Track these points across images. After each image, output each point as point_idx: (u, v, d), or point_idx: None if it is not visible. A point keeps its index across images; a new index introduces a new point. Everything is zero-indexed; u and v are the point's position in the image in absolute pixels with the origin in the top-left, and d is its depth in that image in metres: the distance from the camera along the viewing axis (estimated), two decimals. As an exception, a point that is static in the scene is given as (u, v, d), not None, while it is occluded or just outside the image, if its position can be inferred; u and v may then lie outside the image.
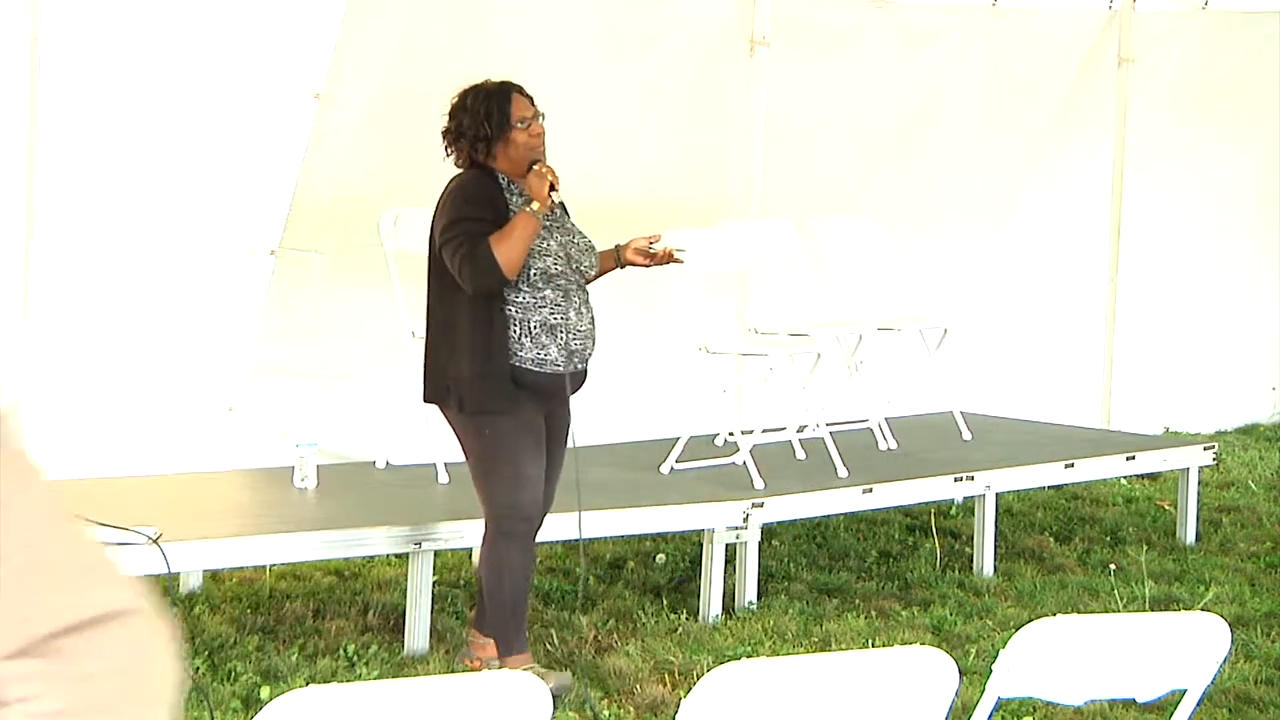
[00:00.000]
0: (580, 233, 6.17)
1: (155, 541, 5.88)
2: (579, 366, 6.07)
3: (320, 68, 7.74)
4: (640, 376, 8.97)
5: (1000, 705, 3.58)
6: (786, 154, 9.32)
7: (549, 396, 6.01)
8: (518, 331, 5.94)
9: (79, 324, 7.44)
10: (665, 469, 7.62)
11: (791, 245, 8.40)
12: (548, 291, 5.97)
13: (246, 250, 7.80)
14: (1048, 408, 9.81)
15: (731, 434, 7.94)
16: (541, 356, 5.96)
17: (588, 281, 6.26)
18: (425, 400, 6.12)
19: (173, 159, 7.55)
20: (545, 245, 5.97)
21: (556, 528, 6.86)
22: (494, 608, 6.07)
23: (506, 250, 5.84)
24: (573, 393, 6.12)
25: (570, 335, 6.01)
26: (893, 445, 8.31)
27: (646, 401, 8.91)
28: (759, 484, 7.30)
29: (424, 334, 6.13)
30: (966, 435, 8.65)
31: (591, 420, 8.51)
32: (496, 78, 6.19)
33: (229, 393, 7.83)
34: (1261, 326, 11.34)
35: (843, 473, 7.63)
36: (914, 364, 8.69)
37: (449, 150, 6.07)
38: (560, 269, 5.98)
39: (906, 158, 9.83)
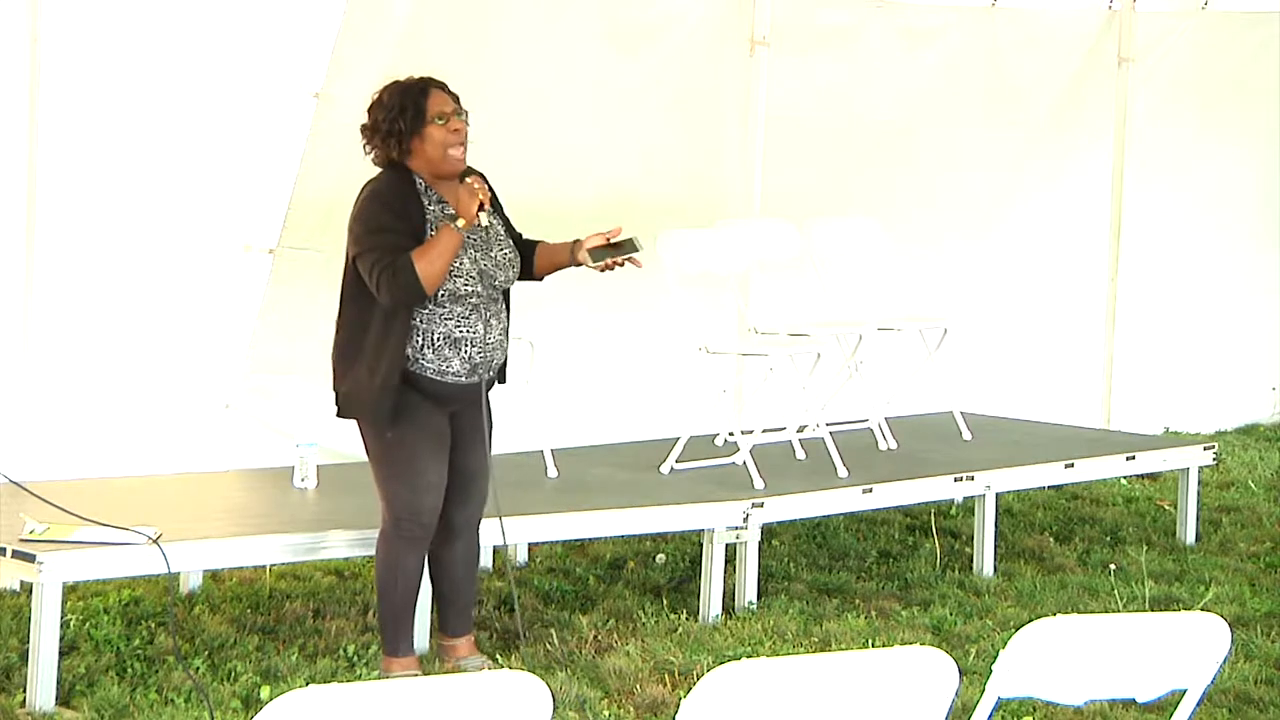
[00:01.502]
0: (502, 244, 5.99)
1: (155, 541, 5.88)
2: (483, 377, 5.95)
3: (319, 67, 7.73)
4: (640, 376, 8.97)
5: (1000, 705, 3.57)
6: (786, 154, 9.32)
7: (451, 402, 5.92)
8: (421, 341, 5.82)
9: (78, 323, 7.44)
10: (665, 469, 7.62)
11: (791, 245, 8.40)
12: (455, 307, 5.85)
13: (245, 248, 7.79)
14: (1048, 408, 9.81)
15: (731, 434, 7.94)
16: (443, 367, 5.85)
17: (538, 279, 6.12)
18: (338, 415, 5.98)
19: (172, 158, 7.55)
20: (458, 265, 5.82)
21: (555, 529, 6.88)
22: (384, 610, 6.03)
23: (427, 266, 5.70)
24: (485, 394, 6.00)
25: (475, 349, 5.89)
26: (893, 445, 8.31)
27: (646, 401, 8.91)
28: (759, 484, 7.29)
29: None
30: (966, 435, 8.65)
31: (592, 420, 8.55)
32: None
33: (226, 390, 7.83)
34: (1261, 326, 11.35)
35: (843, 473, 7.62)
36: (914, 364, 8.69)
37: (366, 147, 5.94)
38: (470, 289, 5.85)
39: (906, 157, 9.83)
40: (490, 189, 5.97)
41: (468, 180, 5.85)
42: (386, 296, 5.75)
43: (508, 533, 6.31)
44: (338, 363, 5.93)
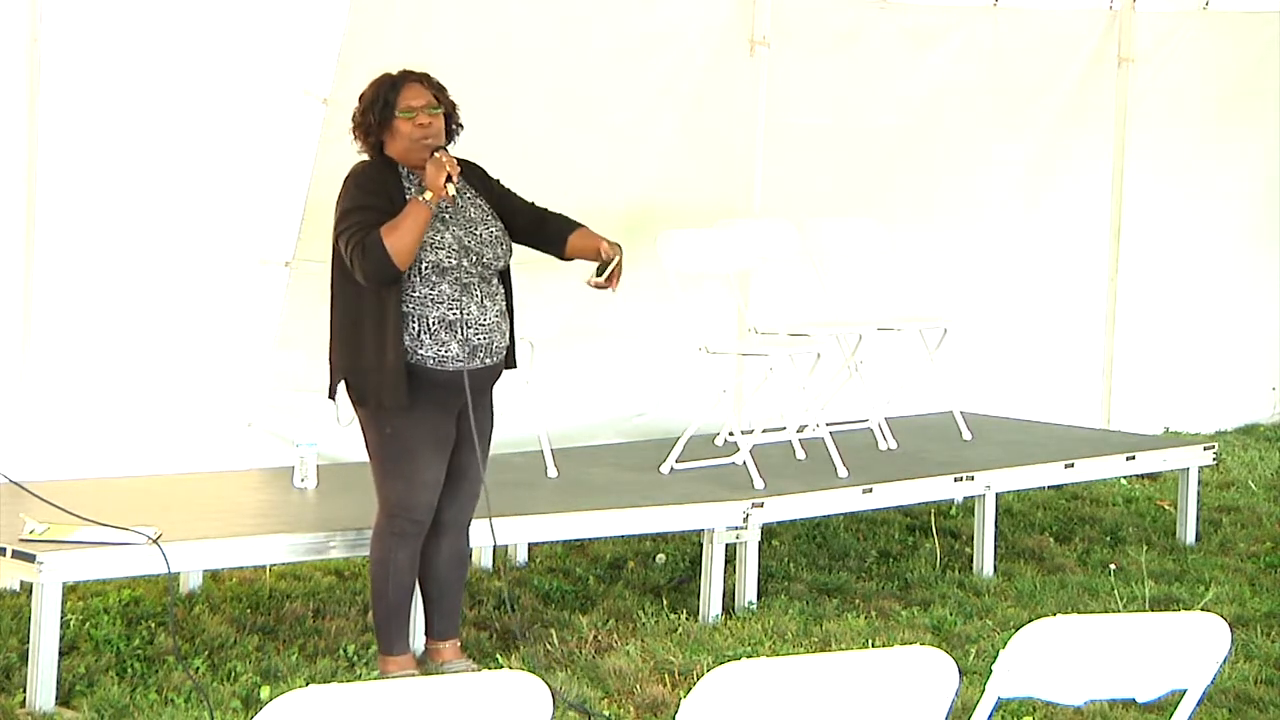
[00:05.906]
0: (487, 222, 5.98)
1: (155, 541, 5.88)
2: (485, 361, 5.91)
3: (328, 72, 7.69)
4: (640, 376, 8.97)
5: (1000, 705, 3.57)
6: (786, 154, 9.31)
7: (454, 394, 5.85)
8: (417, 328, 5.81)
9: (78, 323, 7.42)
10: (665, 469, 7.62)
11: (791, 245, 8.41)
12: (444, 286, 5.82)
13: (261, 262, 7.76)
14: (1048, 408, 9.82)
15: (731, 434, 7.94)
16: (442, 353, 5.82)
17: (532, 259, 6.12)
18: (329, 397, 5.96)
19: (183, 170, 7.50)
20: (439, 238, 5.83)
21: (555, 529, 6.88)
22: (378, 606, 6.02)
23: (396, 239, 5.70)
24: (490, 386, 5.99)
25: (471, 330, 5.85)
26: (893, 445, 8.31)
27: (646, 401, 8.91)
28: (759, 484, 7.30)
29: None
30: (966, 435, 8.65)
31: (592, 420, 8.54)
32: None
33: (247, 408, 7.78)
34: (1261, 326, 11.35)
35: (843, 473, 7.62)
36: (914, 364, 8.69)
37: (354, 137, 5.98)
38: (454, 262, 5.83)
39: (906, 158, 9.83)
40: (484, 172, 6.02)
41: (436, 154, 5.84)
42: (360, 273, 5.75)
43: (507, 533, 6.29)
44: (341, 348, 5.90)
